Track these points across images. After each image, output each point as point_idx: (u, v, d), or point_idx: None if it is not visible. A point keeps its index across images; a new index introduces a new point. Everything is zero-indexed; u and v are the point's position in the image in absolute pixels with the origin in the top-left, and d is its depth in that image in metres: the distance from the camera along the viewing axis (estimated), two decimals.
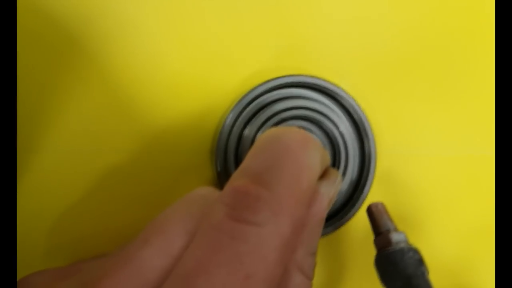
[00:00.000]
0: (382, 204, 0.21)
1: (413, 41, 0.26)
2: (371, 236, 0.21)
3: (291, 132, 0.16)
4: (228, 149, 0.22)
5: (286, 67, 0.25)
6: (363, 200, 0.23)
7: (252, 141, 0.22)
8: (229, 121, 0.22)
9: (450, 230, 0.25)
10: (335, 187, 0.17)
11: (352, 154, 0.23)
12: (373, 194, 0.24)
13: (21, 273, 0.22)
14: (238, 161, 0.22)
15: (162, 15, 0.23)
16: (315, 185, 0.15)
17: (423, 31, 0.26)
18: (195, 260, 0.13)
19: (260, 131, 0.22)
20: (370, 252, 0.21)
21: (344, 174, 0.23)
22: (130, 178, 0.23)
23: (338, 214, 0.23)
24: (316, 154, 0.15)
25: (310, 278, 0.15)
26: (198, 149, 0.24)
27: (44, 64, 0.22)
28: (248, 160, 0.15)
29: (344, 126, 0.23)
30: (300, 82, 0.23)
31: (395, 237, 0.19)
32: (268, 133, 0.16)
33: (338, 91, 0.23)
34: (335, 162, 0.23)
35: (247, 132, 0.22)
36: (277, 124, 0.22)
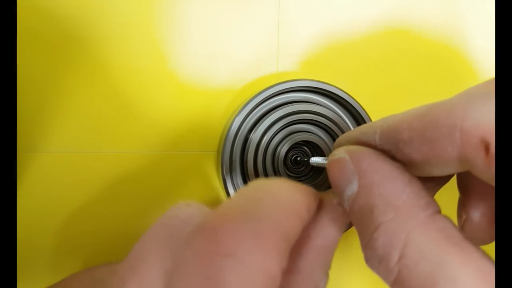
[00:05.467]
0: None
1: (415, 45, 0.26)
2: None
3: (276, 179, 0.15)
4: (234, 152, 0.22)
5: (291, 72, 0.25)
6: None
7: (258, 144, 0.22)
8: (234, 125, 0.22)
9: None
10: (336, 215, 0.16)
11: None
12: None
13: (21, 272, 0.22)
14: (243, 165, 0.22)
15: (166, 16, 0.23)
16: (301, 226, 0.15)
17: (426, 34, 0.26)
18: None
19: (266, 135, 0.22)
20: None
21: None
22: (133, 179, 0.23)
23: None
24: (302, 199, 0.15)
25: None
26: (203, 150, 0.24)
27: (45, 64, 0.22)
28: (231, 199, 0.15)
29: (348, 127, 0.23)
30: (304, 87, 0.23)
31: None
32: (253, 182, 0.16)
33: (342, 95, 0.23)
34: None
35: (253, 136, 0.22)
36: (282, 128, 0.22)
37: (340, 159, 0.15)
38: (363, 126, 0.16)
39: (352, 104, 0.23)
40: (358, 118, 0.23)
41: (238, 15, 0.24)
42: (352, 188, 0.14)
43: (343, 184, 0.15)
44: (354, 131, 0.16)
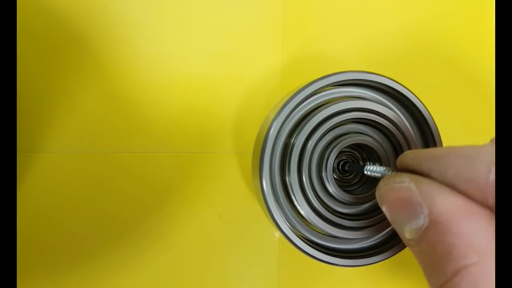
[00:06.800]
0: None
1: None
2: None
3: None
4: (273, 161, 0.19)
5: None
6: None
7: (302, 150, 0.19)
8: (272, 131, 0.19)
9: None
10: None
11: None
12: None
13: (21, 272, 0.22)
14: (284, 174, 0.20)
15: (167, 14, 0.23)
16: None
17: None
18: None
19: (310, 140, 0.19)
20: None
21: None
22: (134, 179, 0.23)
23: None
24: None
25: None
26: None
27: (45, 64, 0.22)
28: None
29: (407, 128, 0.19)
30: (350, 80, 0.19)
31: None
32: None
33: (397, 87, 0.19)
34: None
35: (296, 141, 0.19)
36: (329, 130, 0.19)
37: (404, 188, 0.14)
38: (464, 156, 0.13)
39: (410, 97, 0.19)
40: (416, 114, 0.20)
41: (242, 10, 0.24)
42: (418, 223, 0.13)
43: (406, 216, 0.14)
44: (447, 156, 0.13)
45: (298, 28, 0.24)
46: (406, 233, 0.14)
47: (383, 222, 0.19)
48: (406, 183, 0.14)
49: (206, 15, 0.23)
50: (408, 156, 0.15)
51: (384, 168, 0.16)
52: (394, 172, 0.15)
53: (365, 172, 0.17)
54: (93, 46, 0.22)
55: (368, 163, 0.20)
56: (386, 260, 0.19)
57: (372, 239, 0.20)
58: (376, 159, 0.20)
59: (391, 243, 0.20)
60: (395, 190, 0.14)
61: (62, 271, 0.22)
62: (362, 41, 0.25)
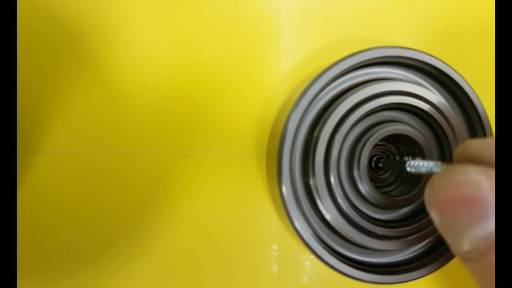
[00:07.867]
0: None
1: None
2: None
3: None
4: (293, 160, 0.17)
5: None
6: None
7: (329, 146, 0.16)
8: (291, 125, 0.16)
9: None
10: None
11: None
12: None
13: (21, 272, 0.22)
14: (308, 175, 0.17)
15: (166, 16, 0.23)
16: None
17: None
18: None
19: (338, 134, 0.16)
20: None
21: None
22: (132, 180, 0.23)
23: None
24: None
25: None
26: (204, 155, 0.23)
27: (45, 64, 0.22)
28: None
29: (452, 114, 0.16)
30: (380, 58, 0.16)
31: None
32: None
33: (440, 65, 0.16)
34: (444, 158, 0.17)
35: (321, 136, 0.16)
36: (359, 121, 0.16)
37: (471, 182, 0.11)
38: None
39: (454, 77, 0.16)
40: (463, 101, 0.17)
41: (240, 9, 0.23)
42: (486, 228, 0.10)
43: (469, 220, 0.11)
44: None
45: (299, 22, 0.23)
46: (465, 243, 0.11)
47: (423, 231, 0.16)
48: (473, 176, 0.11)
49: (205, 16, 0.23)
50: (474, 145, 0.12)
51: (435, 162, 0.13)
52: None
53: (408, 168, 0.14)
54: (93, 46, 0.22)
55: (407, 158, 0.17)
56: (425, 277, 0.16)
57: (407, 252, 0.17)
58: (417, 153, 0.17)
59: (429, 258, 0.17)
60: (456, 185, 0.11)
61: (62, 271, 0.22)
62: (367, 31, 0.24)
